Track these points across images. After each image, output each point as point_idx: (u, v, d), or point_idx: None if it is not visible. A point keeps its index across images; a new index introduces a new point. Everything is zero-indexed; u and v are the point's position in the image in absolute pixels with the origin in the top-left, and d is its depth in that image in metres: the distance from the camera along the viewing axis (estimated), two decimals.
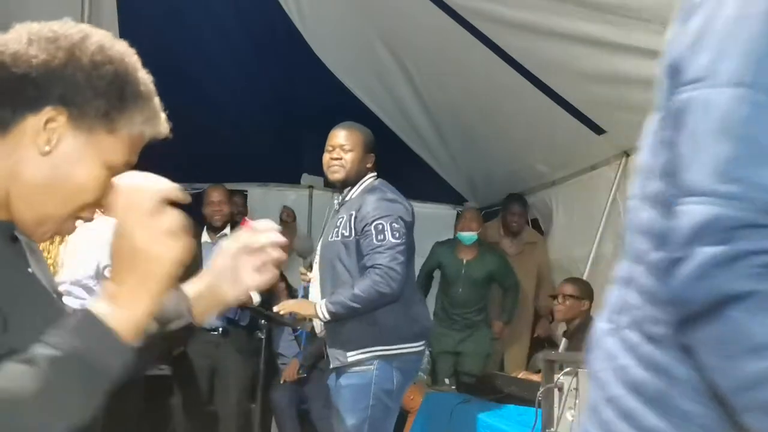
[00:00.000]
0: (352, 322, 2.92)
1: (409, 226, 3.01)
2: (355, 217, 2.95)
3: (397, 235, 2.90)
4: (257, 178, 6.17)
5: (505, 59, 4.07)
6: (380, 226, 2.89)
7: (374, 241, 2.88)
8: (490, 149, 5.42)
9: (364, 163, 3.11)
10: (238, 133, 5.70)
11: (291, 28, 5.03)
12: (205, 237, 4.62)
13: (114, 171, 0.98)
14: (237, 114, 5.67)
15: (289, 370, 4.84)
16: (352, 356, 2.91)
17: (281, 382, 4.86)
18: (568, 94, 4.13)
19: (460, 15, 3.91)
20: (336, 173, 3.10)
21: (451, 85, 4.87)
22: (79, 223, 1.01)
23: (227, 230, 4.64)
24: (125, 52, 0.99)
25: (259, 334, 3.95)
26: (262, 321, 3.98)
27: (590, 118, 4.24)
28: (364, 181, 3.11)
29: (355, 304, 2.85)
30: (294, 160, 6.21)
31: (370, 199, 2.97)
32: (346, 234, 2.96)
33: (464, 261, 5.03)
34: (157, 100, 1.03)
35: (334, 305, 2.89)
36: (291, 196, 6.30)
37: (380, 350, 2.91)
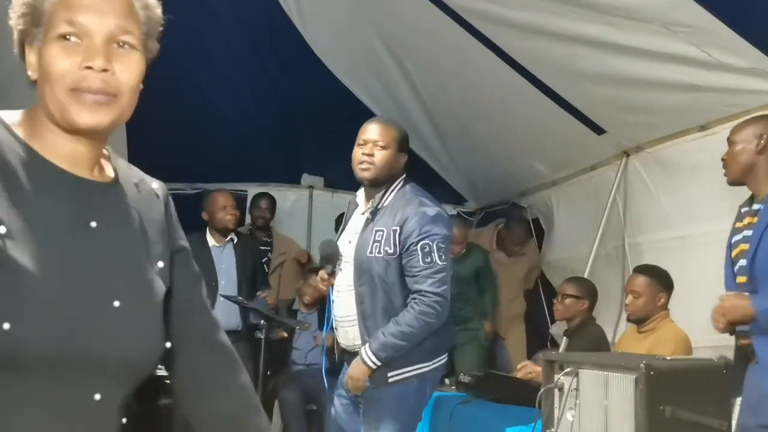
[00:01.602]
0: None
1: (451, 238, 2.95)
2: (400, 233, 2.80)
3: (443, 256, 2.79)
4: (257, 178, 6.16)
5: (505, 60, 4.07)
6: (427, 248, 2.76)
7: (421, 262, 2.75)
8: (490, 149, 5.42)
9: (396, 164, 2.92)
10: (238, 133, 5.70)
11: (291, 28, 5.04)
12: (210, 240, 4.61)
13: (63, 35, 1.03)
14: (237, 114, 5.67)
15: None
16: (393, 377, 2.82)
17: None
18: (569, 94, 4.13)
19: (460, 16, 3.91)
20: (366, 171, 2.89)
21: (451, 85, 4.88)
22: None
23: (232, 234, 4.67)
24: None
25: (259, 334, 3.95)
26: (262, 321, 3.98)
27: (590, 118, 4.25)
28: (396, 186, 2.94)
29: (404, 343, 2.76)
30: (294, 160, 6.21)
31: (414, 214, 2.81)
32: (390, 251, 2.79)
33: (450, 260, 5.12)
34: None
35: (384, 350, 2.77)
36: (291, 196, 6.30)
37: (421, 368, 2.84)
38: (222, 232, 4.62)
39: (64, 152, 1.06)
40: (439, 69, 4.78)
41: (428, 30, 4.31)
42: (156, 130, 5.30)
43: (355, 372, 2.83)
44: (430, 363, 2.87)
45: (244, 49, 5.21)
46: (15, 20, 1.06)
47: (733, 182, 2.82)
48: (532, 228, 5.75)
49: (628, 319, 3.55)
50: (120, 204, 1.12)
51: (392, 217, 2.85)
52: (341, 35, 5.08)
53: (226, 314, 4.45)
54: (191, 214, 5.66)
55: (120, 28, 1.05)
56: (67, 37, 1.02)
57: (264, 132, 5.73)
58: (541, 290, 5.67)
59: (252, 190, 6.10)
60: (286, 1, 4.92)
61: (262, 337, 3.90)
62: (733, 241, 2.77)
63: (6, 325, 0.90)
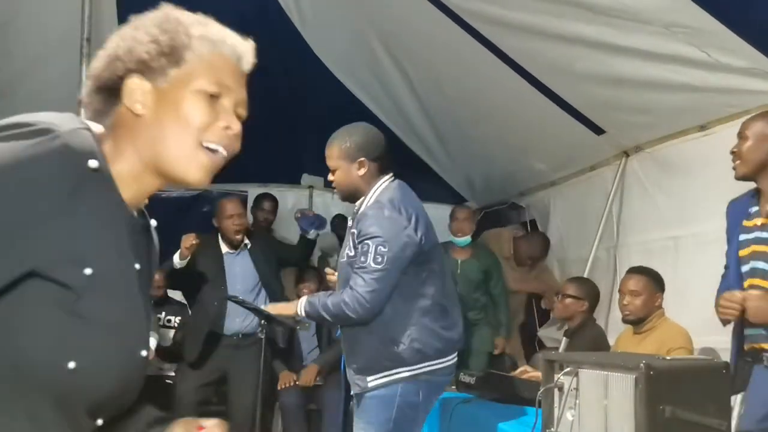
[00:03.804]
0: (368, 343, 2.78)
1: (410, 244, 2.72)
2: (357, 234, 2.79)
3: (380, 259, 2.67)
4: (257, 178, 6.16)
5: (504, 61, 4.07)
6: (365, 247, 2.70)
7: (357, 262, 2.73)
8: (489, 150, 5.42)
9: (353, 174, 2.87)
10: None
11: (291, 28, 5.04)
12: (223, 247, 4.60)
13: (211, 93, 1.07)
14: None
15: (307, 375, 4.78)
16: (373, 381, 2.78)
17: (289, 384, 4.78)
18: (568, 95, 4.14)
19: (460, 17, 3.91)
20: (338, 195, 3.02)
21: (450, 86, 4.88)
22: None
23: (246, 239, 4.65)
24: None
25: (259, 334, 3.95)
26: (262, 321, 3.98)
27: (590, 118, 4.25)
28: (373, 193, 2.85)
29: (324, 314, 2.81)
30: (294, 160, 6.21)
31: (368, 215, 2.76)
32: (351, 255, 2.79)
33: (459, 261, 5.00)
34: (219, 27, 1.11)
35: (310, 305, 2.86)
36: (291, 196, 6.30)
37: (402, 371, 2.76)
38: (229, 240, 4.59)
39: (133, 189, 1.03)
40: (438, 69, 4.79)
41: (427, 31, 4.32)
42: None
43: (287, 308, 3.03)
44: (416, 367, 2.77)
45: None
46: (145, 45, 1.03)
47: (741, 177, 2.69)
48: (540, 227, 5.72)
49: (625, 321, 3.43)
50: (148, 243, 1.11)
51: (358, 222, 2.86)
52: (341, 35, 5.08)
53: (243, 317, 4.46)
54: (191, 215, 5.67)
55: (244, 102, 1.15)
56: (214, 95, 1.07)
57: (264, 132, 5.71)
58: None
59: (252, 190, 6.10)
60: (286, 1, 4.93)
61: (262, 337, 3.91)
62: (741, 239, 2.65)
63: (71, 365, 0.90)
